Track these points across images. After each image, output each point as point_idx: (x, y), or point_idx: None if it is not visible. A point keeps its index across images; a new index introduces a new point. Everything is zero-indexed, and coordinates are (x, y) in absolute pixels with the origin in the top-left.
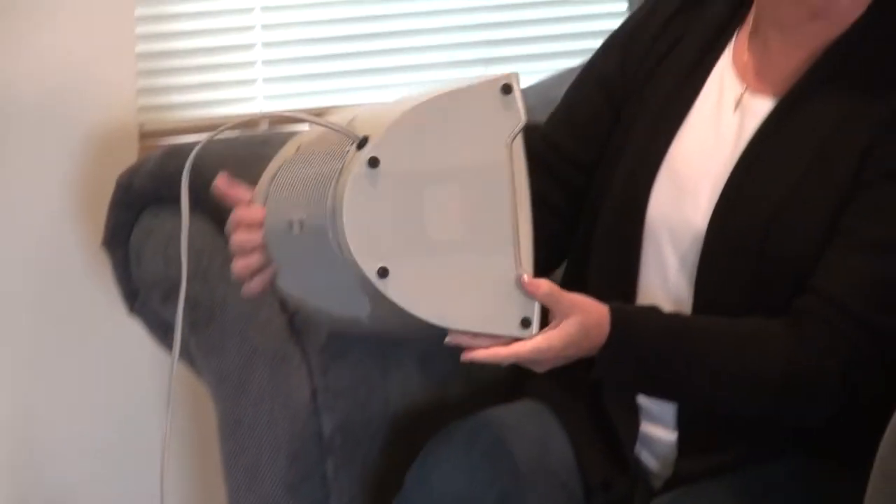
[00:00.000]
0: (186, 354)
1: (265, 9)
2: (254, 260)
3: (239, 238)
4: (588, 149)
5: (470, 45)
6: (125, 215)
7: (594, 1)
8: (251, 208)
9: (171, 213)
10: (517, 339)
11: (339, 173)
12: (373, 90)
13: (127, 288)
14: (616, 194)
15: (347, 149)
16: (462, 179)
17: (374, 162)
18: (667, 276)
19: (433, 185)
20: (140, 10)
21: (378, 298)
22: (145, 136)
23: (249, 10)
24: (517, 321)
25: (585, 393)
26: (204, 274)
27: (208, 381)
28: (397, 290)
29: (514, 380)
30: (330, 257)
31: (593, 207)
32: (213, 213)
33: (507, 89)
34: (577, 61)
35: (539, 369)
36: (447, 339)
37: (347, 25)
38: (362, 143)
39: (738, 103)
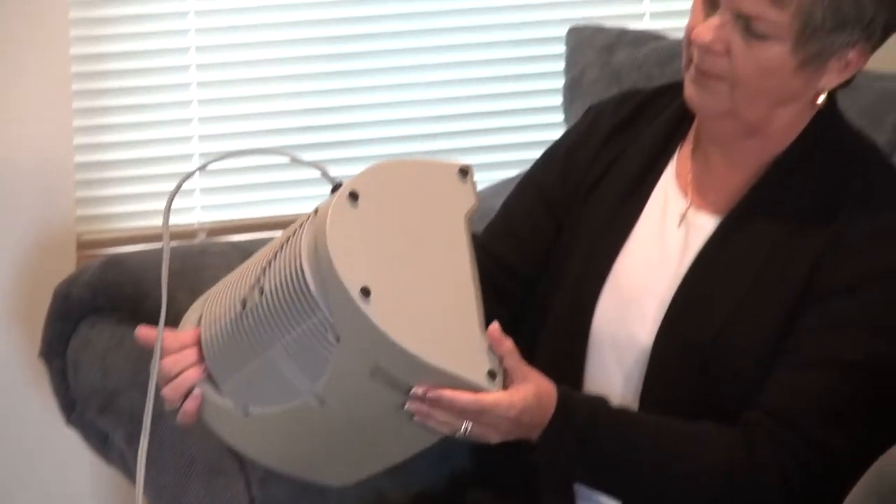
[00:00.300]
0: (124, 466)
1: (202, 120)
2: (184, 379)
3: (166, 363)
4: (528, 261)
5: (404, 138)
6: (63, 326)
7: (530, 112)
8: (177, 334)
9: (108, 324)
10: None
11: (308, 222)
12: (310, 200)
13: (64, 398)
14: (561, 307)
15: (302, 222)
16: (429, 231)
17: (353, 195)
18: (612, 390)
19: (405, 229)
20: (78, 122)
21: (347, 348)
22: (83, 246)
23: (187, 122)
24: (484, 371)
25: None
26: (142, 385)
27: (147, 493)
28: (378, 312)
29: (453, 492)
30: (285, 326)
31: (536, 318)
32: (152, 322)
33: (464, 172)
34: (513, 172)
35: (493, 438)
36: (414, 390)
37: (284, 137)
38: (336, 186)
39: (682, 219)
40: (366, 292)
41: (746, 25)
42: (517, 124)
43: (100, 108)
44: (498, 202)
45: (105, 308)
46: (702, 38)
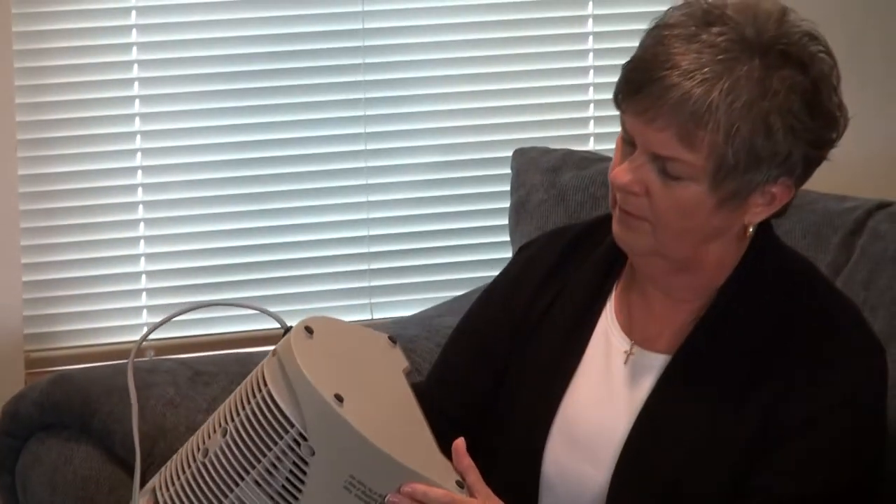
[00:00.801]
0: None
1: (149, 239)
2: None
3: None
4: (466, 408)
5: (346, 274)
6: (11, 443)
7: (478, 232)
8: None
9: (57, 441)
10: None
11: (263, 364)
12: (251, 319)
13: None
14: (510, 451)
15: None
16: (374, 367)
17: (309, 329)
18: None
19: (354, 362)
20: (26, 241)
21: (322, 461)
22: (31, 363)
23: (135, 241)
24: (453, 479)
25: None
26: (91, 502)
27: None
28: (353, 415)
29: None
30: (255, 454)
31: (486, 461)
32: (101, 440)
33: (392, 340)
34: (460, 291)
35: None
36: (389, 497)
37: (230, 256)
38: (287, 329)
39: (627, 357)
40: (339, 398)
41: (662, 167)
42: (465, 243)
43: (48, 227)
44: (446, 321)
45: (54, 425)
46: (619, 180)
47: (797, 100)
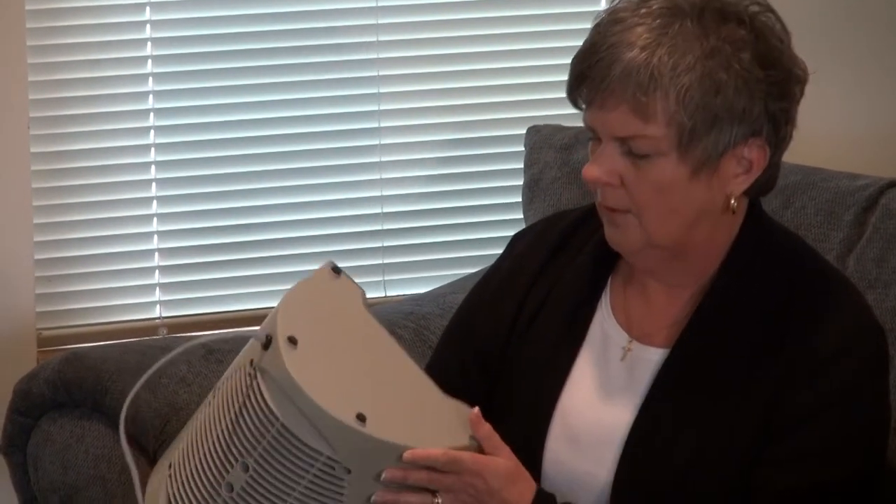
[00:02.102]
0: None
1: (162, 217)
2: None
3: None
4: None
5: (359, 251)
6: (23, 422)
7: (491, 210)
8: None
9: (69, 420)
10: None
11: (258, 380)
12: (265, 296)
13: (25, 494)
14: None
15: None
16: (352, 336)
17: (292, 340)
18: None
19: (338, 344)
20: (38, 219)
21: (357, 475)
22: (43, 342)
23: (148, 218)
24: (467, 436)
25: None
26: (103, 480)
27: None
28: (379, 425)
29: None
30: (288, 485)
31: None
32: (113, 418)
33: (336, 270)
34: (473, 269)
35: None
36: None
37: (243, 233)
38: (267, 341)
39: (625, 353)
40: (362, 418)
41: (628, 149)
42: (478, 220)
43: (59, 205)
44: (459, 298)
45: (66, 404)
46: (591, 175)
47: (743, 53)
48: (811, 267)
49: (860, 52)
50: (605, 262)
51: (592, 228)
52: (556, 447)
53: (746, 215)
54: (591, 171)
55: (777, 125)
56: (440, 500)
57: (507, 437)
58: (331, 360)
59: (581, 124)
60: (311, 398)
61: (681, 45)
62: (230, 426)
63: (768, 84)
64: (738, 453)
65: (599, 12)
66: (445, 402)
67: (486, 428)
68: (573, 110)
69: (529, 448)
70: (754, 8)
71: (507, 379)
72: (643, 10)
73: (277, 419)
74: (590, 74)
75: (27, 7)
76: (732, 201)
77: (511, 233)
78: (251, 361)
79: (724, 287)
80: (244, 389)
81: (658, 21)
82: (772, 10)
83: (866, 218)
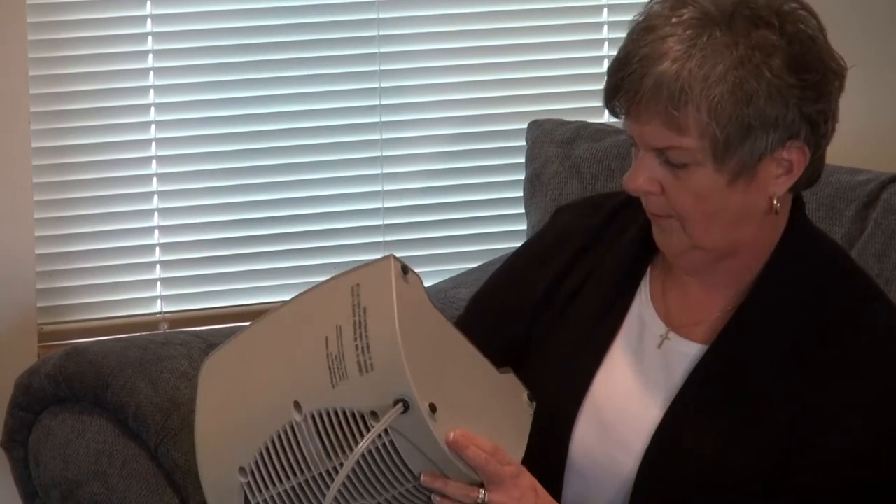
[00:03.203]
0: None
1: (163, 212)
2: None
3: None
4: None
5: (367, 246)
6: (24, 416)
7: (492, 204)
8: None
9: (70, 414)
10: None
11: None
12: (266, 291)
13: (25, 488)
14: (535, 431)
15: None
16: (454, 359)
17: (433, 407)
18: None
19: (454, 378)
20: (40, 213)
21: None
22: (44, 337)
23: (149, 213)
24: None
25: None
26: (104, 475)
27: None
28: (445, 424)
29: None
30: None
31: None
32: (114, 413)
33: (405, 269)
34: (474, 263)
35: None
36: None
37: (244, 228)
38: (405, 406)
39: (661, 343)
40: (433, 407)
41: (666, 159)
42: (480, 215)
43: (61, 200)
44: (461, 293)
45: (67, 399)
46: (632, 185)
47: (774, 60)
48: (848, 274)
49: (861, 47)
50: (644, 252)
51: (636, 213)
52: (585, 431)
53: (790, 215)
54: (632, 180)
55: (815, 126)
56: (482, 495)
57: (534, 419)
58: (454, 408)
59: (582, 119)
60: (451, 458)
61: (711, 56)
62: (348, 471)
63: (802, 89)
64: (766, 455)
65: (633, 18)
66: (499, 389)
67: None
68: (575, 104)
69: (557, 431)
70: (787, 6)
71: (538, 359)
72: (674, 20)
73: (415, 477)
74: (623, 86)
75: (28, 1)
76: (775, 202)
77: (513, 227)
78: (386, 429)
79: (767, 290)
80: (370, 442)
81: (689, 32)
82: (805, 7)
83: (867, 213)
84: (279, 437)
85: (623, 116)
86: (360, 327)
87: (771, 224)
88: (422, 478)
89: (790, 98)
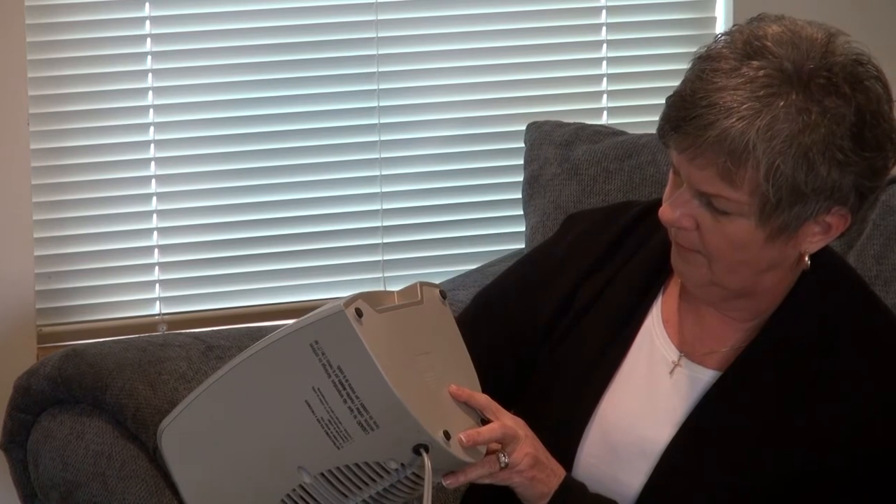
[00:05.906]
0: None
1: (161, 214)
2: None
3: None
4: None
5: (365, 247)
6: (23, 418)
7: (490, 208)
8: None
9: (69, 416)
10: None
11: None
12: (265, 293)
13: (24, 490)
14: (543, 445)
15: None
16: (434, 348)
17: (446, 434)
18: None
19: (419, 355)
20: (38, 215)
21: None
22: (43, 338)
23: (147, 215)
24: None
25: None
26: (103, 477)
27: None
28: (458, 446)
29: None
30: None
31: None
32: (113, 415)
33: (443, 294)
34: (472, 265)
35: (531, 464)
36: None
37: (243, 230)
38: (424, 447)
39: (673, 369)
40: (447, 435)
41: (709, 202)
42: (478, 217)
43: (60, 201)
44: (459, 295)
45: (65, 400)
46: (667, 217)
47: (841, 132)
48: (867, 309)
49: (861, 47)
50: (658, 272)
51: (652, 228)
52: (590, 452)
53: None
54: (668, 212)
55: (864, 198)
56: (503, 458)
57: (537, 431)
58: (448, 413)
59: (580, 120)
60: (471, 461)
61: (781, 120)
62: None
63: (861, 165)
64: (774, 489)
65: (701, 47)
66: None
67: (481, 399)
68: (574, 106)
69: (563, 450)
70: (861, 68)
71: (545, 371)
72: (746, 70)
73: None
74: (683, 127)
75: (27, 2)
76: (806, 258)
77: (511, 229)
78: (402, 464)
79: (785, 323)
80: (393, 481)
81: (763, 91)
82: (879, 77)
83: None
84: (290, 498)
85: (669, 147)
86: (344, 388)
87: (794, 272)
88: (444, 482)
89: (849, 173)
